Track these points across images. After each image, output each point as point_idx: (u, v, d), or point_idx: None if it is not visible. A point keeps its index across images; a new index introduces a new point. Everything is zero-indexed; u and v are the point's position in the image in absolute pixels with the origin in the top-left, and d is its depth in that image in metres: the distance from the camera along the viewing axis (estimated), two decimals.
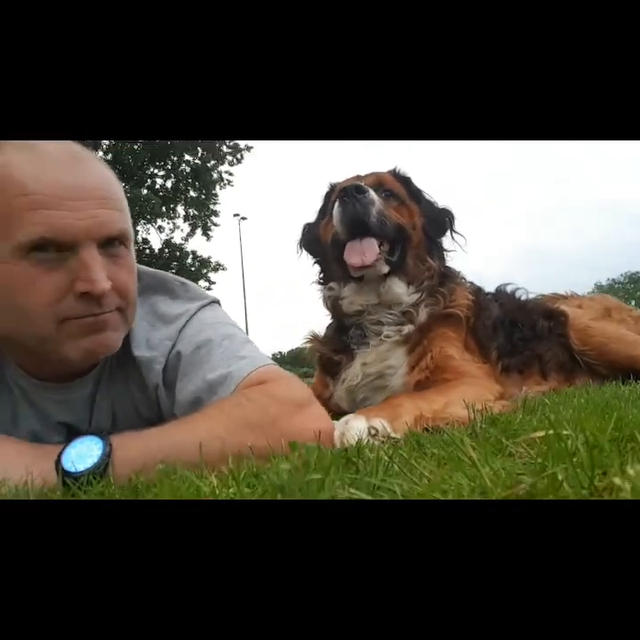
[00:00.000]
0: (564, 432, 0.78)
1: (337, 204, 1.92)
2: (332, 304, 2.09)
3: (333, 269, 2.08)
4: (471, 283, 2.23)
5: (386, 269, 1.95)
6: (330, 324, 2.19)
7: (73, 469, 0.90)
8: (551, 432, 0.77)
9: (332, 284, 2.09)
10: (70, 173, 1.00)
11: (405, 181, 2.16)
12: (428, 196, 2.19)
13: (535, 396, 1.85)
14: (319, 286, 2.20)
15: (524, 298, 2.52)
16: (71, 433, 1.15)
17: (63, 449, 0.94)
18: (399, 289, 1.98)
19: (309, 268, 2.26)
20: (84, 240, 0.99)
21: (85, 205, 0.99)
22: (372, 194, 1.91)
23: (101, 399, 1.23)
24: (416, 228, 2.06)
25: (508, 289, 2.51)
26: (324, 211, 2.19)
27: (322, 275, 2.21)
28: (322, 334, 2.22)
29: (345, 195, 1.89)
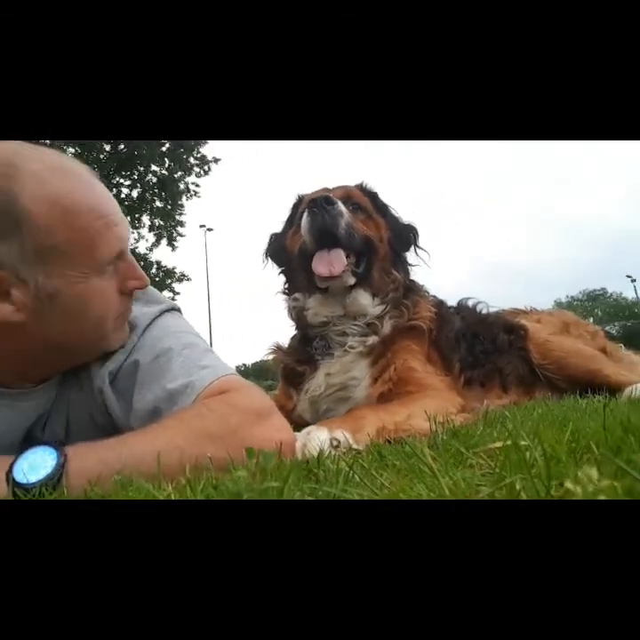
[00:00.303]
0: (522, 443, 0.80)
1: (306, 214, 1.93)
2: (297, 315, 2.09)
3: (299, 280, 2.09)
4: (434, 296, 2.27)
5: (352, 281, 1.96)
6: (294, 335, 2.19)
7: (25, 481, 0.87)
8: (509, 443, 0.78)
9: (296, 295, 2.10)
10: (103, 190, 1.11)
11: (372, 196, 2.20)
12: (393, 211, 2.23)
13: (496, 409, 1.88)
14: (284, 297, 2.20)
15: (484, 311, 2.57)
16: (26, 440, 1.11)
17: (15, 459, 0.91)
18: (364, 300, 1.99)
19: (275, 280, 2.27)
20: (127, 246, 1.14)
21: (122, 217, 1.12)
22: (341, 206, 1.93)
23: (59, 403, 1.20)
24: (382, 240, 2.10)
25: (470, 303, 2.56)
26: (291, 221, 2.20)
27: (287, 285, 2.21)
28: (286, 345, 2.21)
29: (314, 205, 1.91)
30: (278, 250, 2.24)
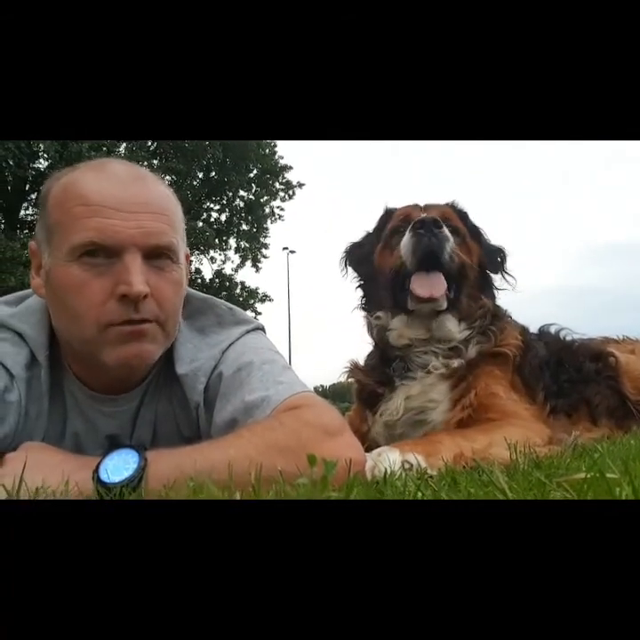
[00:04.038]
0: (611, 476, 0.74)
1: (410, 234, 1.89)
2: (378, 334, 2.04)
3: (383, 298, 2.04)
4: (516, 321, 2.16)
5: (445, 305, 1.91)
6: (370, 353, 2.14)
7: (108, 480, 0.92)
8: (596, 474, 0.73)
9: (379, 314, 2.04)
10: (128, 189, 1.09)
11: (464, 217, 2.15)
12: (484, 234, 2.17)
13: (586, 442, 1.76)
14: (362, 313, 2.15)
15: (568, 338, 2.39)
16: (113, 445, 1.18)
17: (101, 460, 0.97)
18: (451, 325, 1.94)
19: (354, 300, 2.21)
20: (129, 247, 1.06)
21: (135, 216, 1.07)
22: (447, 230, 1.90)
23: (145, 414, 1.26)
24: (473, 266, 2.05)
25: (552, 329, 2.40)
26: (378, 235, 2.15)
27: (365, 300, 2.17)
28: (362, 363, 2.17)
29: (421, 227, 1.87)
30: (362, 260, 2.17)
